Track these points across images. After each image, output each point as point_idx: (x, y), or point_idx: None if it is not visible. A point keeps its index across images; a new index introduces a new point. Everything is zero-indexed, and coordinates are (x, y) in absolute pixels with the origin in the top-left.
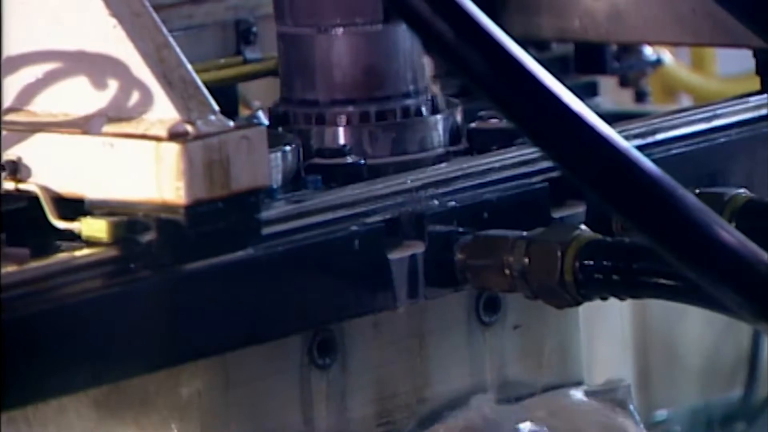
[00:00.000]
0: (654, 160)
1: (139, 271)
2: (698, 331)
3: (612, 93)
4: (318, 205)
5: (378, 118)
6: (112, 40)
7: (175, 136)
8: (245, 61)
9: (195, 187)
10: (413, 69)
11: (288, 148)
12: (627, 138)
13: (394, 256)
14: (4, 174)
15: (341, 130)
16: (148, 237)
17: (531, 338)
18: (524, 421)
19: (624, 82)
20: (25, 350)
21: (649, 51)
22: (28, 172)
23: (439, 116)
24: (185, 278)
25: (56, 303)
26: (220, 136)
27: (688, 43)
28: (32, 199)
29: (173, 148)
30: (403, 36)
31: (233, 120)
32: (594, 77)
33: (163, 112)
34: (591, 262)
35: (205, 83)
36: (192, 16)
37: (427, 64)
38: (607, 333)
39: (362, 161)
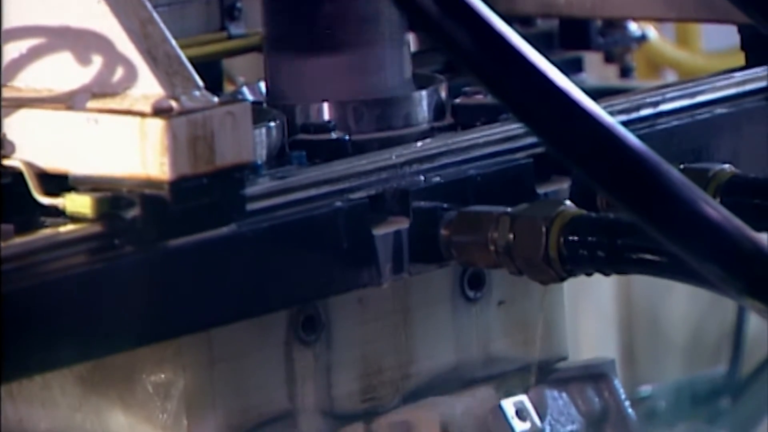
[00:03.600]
0: (639, 136)
1: (123, 247)
2: (683, 307)
3: (597, 69)
4: (302, 181)
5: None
6: (97, 15)
7: (159, 111)
8: (230, 37)
9: (179, 163)
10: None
11: (272, 123)
12: (612, 114)
13: (378, 232)
14: None
15: (326, 106)
16: (133, 213)
17: (516, 314)
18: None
19: (609, 58)
20: (8, 326)
21: (633, 27)
22: (12, 148)
23: (423, 92)
24: (169, 254)
25: (40, 279)
26: (204, 112)
27: (673, 19)
28: (16, 174)
29: (157, 124)
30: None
31: (218, 96)
32: (579, 53)
33: (148, 87)
34: (576, 238)
35: (190, 59)
36: None
37: (412, 40)
38: (592, 309)
39: (347, 137)
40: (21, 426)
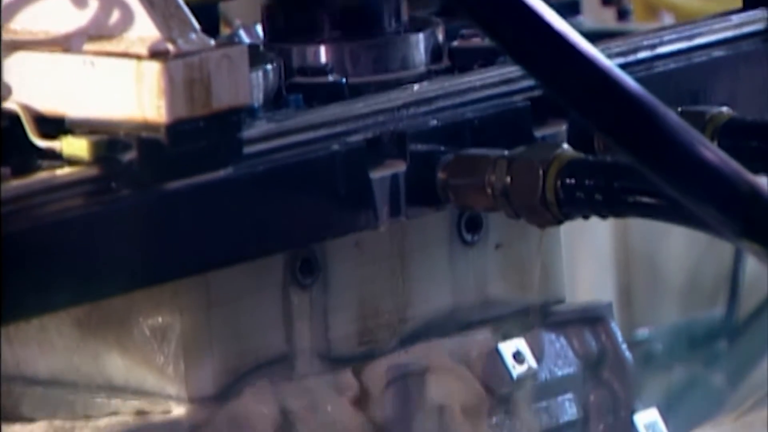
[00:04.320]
0: (636, 79)
1: (120, 190)
2: (680, 249)
3: (594, 11)
4: (299, 124)
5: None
6: None
7: (155, 54)
8: None
9: (176, 106)
10: None
11: (269, 66)
12: (609, 56)
13: (375, 175)
14: None
15: (322, 49)
16: (129, 156)
17: (513, 257)
18: None
19: (606, 1)
20: (5, 269)
21: None
22: (9, 91)
23: (420, 35)
24: (166, 197)
25: (37, 221)
26: (200, 55)
27: None
28: (13, 117)
29: (154, 67)
30: None
31: (214, 39)
32: None
33: (144, 30)
34: (573, 181)
35: (186, 2)
36: None
37: None
38: (589, 252)
39: (344, 80)
40: (18, 369)
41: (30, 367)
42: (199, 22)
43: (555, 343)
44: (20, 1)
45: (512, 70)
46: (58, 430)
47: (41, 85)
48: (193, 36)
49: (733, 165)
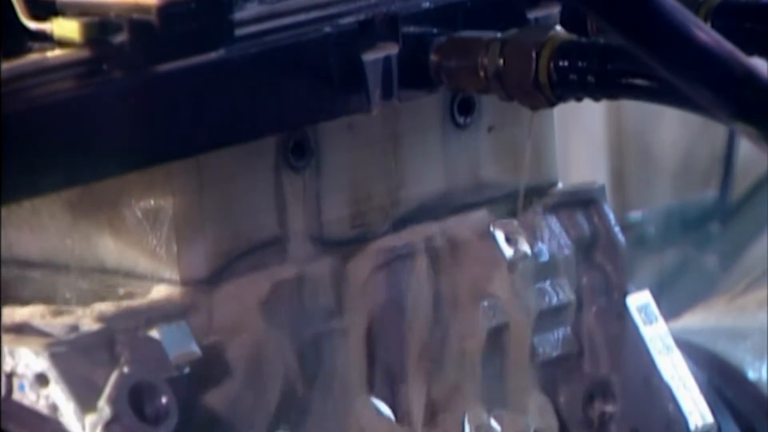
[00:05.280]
0: None
1: (111, 72)
2: (673, 131)
3: None
4: (291, 6)
5: None
6: None
7: None
8: None
9: None
10: None
11: None
12: None
13: (368, 57)
14: None
15: None
16: (121, 38)
17: (505, 140)
18: None
19: None
20: None
21: None
22: None
23: None
24: (157, 79)
25: (27, 103)
26: None
27: None
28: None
29: None
30: None
31: None
32: None
33: None
34: (566, 63)
35: None
36: None
37: None
38: (582, 134)
39: None
40: (10, 251)
41: (22, 250)
42: None
43: (547, 225)
44: None
45: None
46: (52, 313)
47: None
48: None
49: (727, 46)
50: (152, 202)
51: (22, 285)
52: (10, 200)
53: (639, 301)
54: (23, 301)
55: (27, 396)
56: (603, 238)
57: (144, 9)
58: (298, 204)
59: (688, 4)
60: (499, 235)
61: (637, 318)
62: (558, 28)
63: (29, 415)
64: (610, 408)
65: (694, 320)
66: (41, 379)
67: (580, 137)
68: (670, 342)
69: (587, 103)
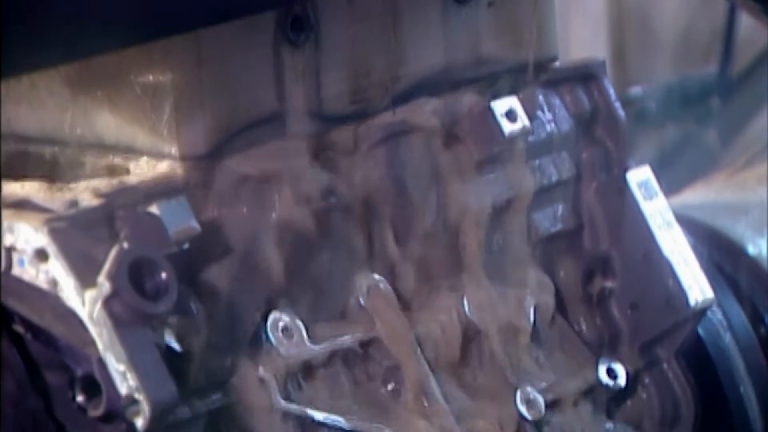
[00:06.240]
0: None
1: None
2: (674, 6)
3: None
4: None
5: None
6: None
7: None
8: None
9: None
10: None
11: None
12: None
13: None
14: None
15: None
16: None
17: (506, 15)
18: None
19: None
20: None
21: None
22: None
23: None
24: None
25: None
26: None
27: None
28: None
29: None
30: None
31: None
32: None
33: None
34: None
35: None
36: None
37: None
38: (583, 9)
39: None
40: (9, 126)
41: (21, 124)
42: None
43: (548, 101)
44: None
45: None
46: (52, 188)
47: None
48: None
49: None
50: (151, 78)
51: (20, 160)
52: (10, 75)
53: (639, 177)
54: (21, 176)
55: (26, 271)
56: (603, 113)
57: None
58: (297, 80)
59: None
60: (499, 111)
61: (638, 193)
62: None
63: (29, 289)
64: (609, 283)
65: (694, 196)
66: (41, 255)
67: (581, 12)
68: (671, 217)
69: None
